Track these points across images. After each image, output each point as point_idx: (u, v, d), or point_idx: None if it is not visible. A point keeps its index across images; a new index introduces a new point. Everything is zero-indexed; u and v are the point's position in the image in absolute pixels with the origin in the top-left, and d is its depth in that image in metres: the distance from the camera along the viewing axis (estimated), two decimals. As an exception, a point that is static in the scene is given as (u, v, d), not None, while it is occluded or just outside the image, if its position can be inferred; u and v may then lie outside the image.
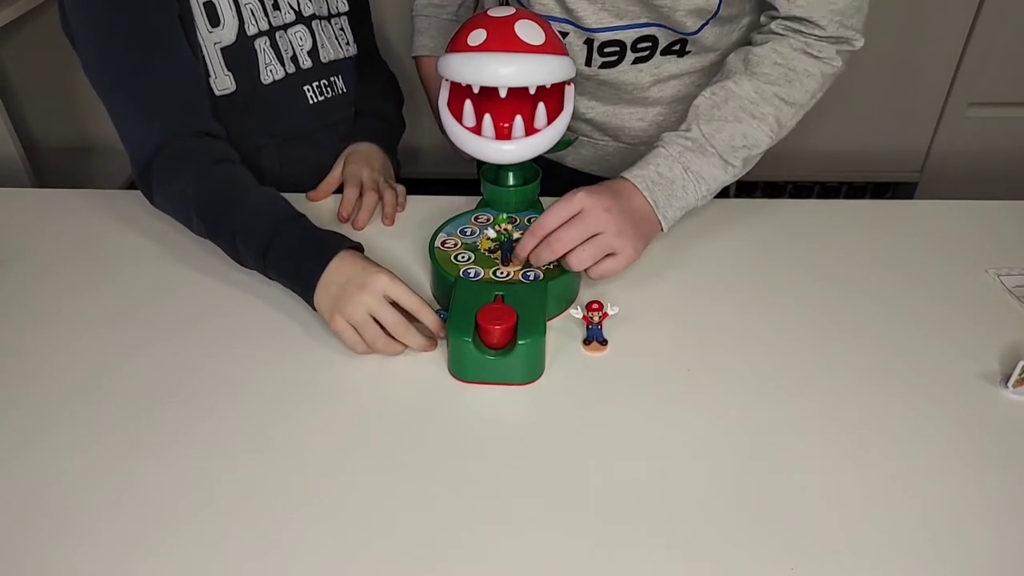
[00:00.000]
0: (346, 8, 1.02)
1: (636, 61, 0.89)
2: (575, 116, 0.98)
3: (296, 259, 0.74)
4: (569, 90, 0.79)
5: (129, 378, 0.70)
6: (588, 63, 0.90)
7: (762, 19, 0.85)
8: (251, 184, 0.81)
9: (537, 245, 0.74)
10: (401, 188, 0.96)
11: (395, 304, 0.70)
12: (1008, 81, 1.82)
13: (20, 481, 0.61)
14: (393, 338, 0.70)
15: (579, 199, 0.73)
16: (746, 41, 0.89)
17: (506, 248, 0.78)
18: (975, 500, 0.60)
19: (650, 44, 0.87)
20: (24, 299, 0.80)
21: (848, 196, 2.06)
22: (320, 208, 0.94)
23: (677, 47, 0.88)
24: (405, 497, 0.59)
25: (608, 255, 0.74)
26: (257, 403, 0.68)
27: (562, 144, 0.82)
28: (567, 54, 0.78)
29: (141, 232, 0.90)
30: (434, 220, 0.84)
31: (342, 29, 1.02)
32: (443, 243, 0.79)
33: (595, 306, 0.74)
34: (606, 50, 0.88)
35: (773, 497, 0.59)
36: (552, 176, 1.05)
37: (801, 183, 2.05)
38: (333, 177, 0.97)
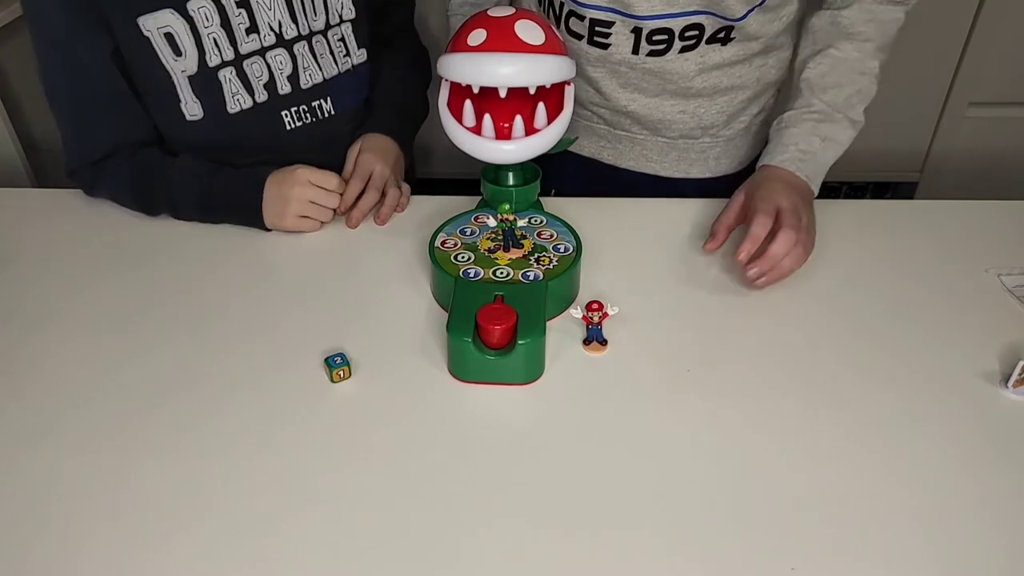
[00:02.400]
0: (352, 15, 0.97)
1: (683, 50, 0.90)
2: (614, 110, 0.98)
3: (234, 197, 0.89)
4: (569, 90, 0.79)
5: (129, 378, 0.70)
6: (635, 51, 0.90)
7: None
8: (167, 158, 0.91)
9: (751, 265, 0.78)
10: (406, 187, 0.95)
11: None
12: (1008, 81, 1.82)
13: (21, 481, 0.61)
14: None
15: (775, 199, 0.80)
16: (787, 31, 0.93)
17: (508, 235, 0.78)
18: (975, 500, 0.60)
19: (697, 32, 0.88)
20: (24, 299, 0.80)
21: (848, 196, 2.06)
22: (333, 230, 0.91)
23: (722, 35, 0.89)
24: (405, 497, 0.59)
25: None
26: (257, 404, 0.68)
27: (562, 144, 0.82)
28: (567, 54, 0.78)
29: (141, 232, 0.90)
30: (434, 220, 0.84)
31: (342, 39, 0.97)
32: (443, 243, 0.79)
33: (595, 306, 0.74)
34: (655, 38, 0.88)
35: (773, 497, 0.60)
36: (559, 168, 1.05)
37: (801, 183, 2.05)
38: (349, 167, 0.94)
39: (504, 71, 0.73)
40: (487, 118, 0.78)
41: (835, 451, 0.63)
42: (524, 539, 0.57)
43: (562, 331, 0.75)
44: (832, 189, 2.06)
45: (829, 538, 0.57)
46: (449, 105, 0.79)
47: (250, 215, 0.88)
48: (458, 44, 0.75)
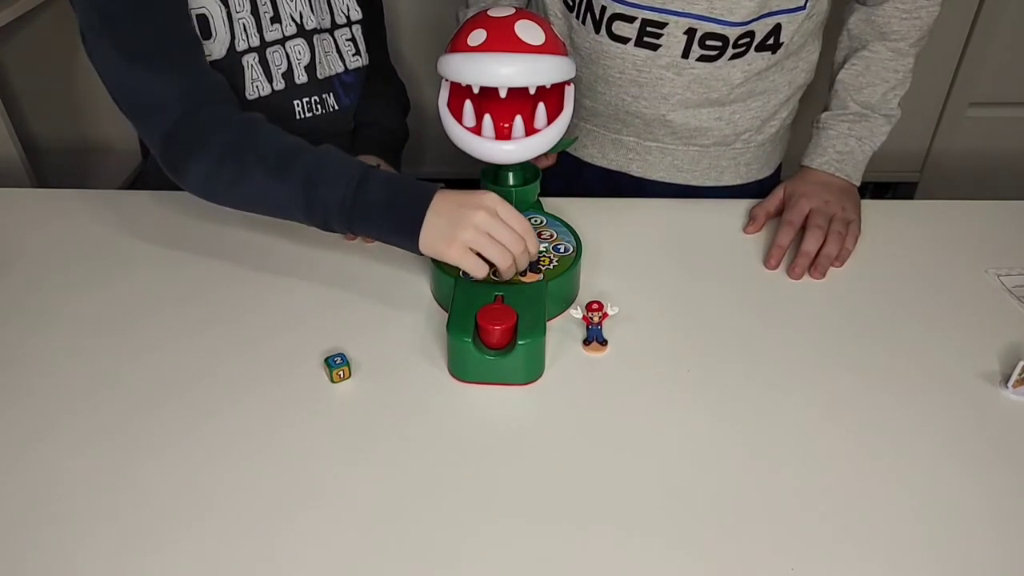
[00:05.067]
0: (359, 16, 0.98)
1: (733, 57, 0.89)
2: (649, 120, 0.96)
3: (393, 197, 0.71)
4: (569, 90, 0.79)
5: (129, 380, 0.70)
6: (685, 55, 0.89)
7: None
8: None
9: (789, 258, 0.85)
10: None
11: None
12: (1008, 81, 1.82)
13: (21, 482, 0.61)
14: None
15: (805, 202, 0.88)
16: (816, 32, 0.94)
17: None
18: (975, 500, 0.60)
19: (748, 39, 0.88)
20: (24, 300, 0.80)
21: (848, 196, 2.06)
22: None
23: (771, 42, 0.89)
24: (405, 496, 0.60)
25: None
26: (257, 404, 0.67)
27: (562, 144, 0.82)
28: (567, 54, 0.78)
29: (142, 233, 0.90)
30: (434, 220, 0.84)
31: (351, 39, 0.98)
32: (443, 243, 0.79)
33: (595, 306, 0.74)
34: (708, 43, 0.88)
35: (773, 497, 0.60)
36: (562, 170, 1.04)
37: (801, 183, 2.05)
38: None
39: (504, 71, 0.73)
40: (487, 118, 0.78)
41: (835, 451, 0.63)
42: (524, 539, 0.57)
43: (562, 331, 0.75)
44: (832, 189, 2.06)
45: (829, 538, 0.57)
46: (449, 105, 0.79)
47: (405, 227, 0.71)
48: (458, 44, 0.75)
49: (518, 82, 0.74)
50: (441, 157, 1.33)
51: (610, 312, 0.74)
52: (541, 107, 0.78)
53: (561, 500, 0.59)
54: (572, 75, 0.78)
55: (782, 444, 0.64)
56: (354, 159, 0.75)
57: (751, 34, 0.88)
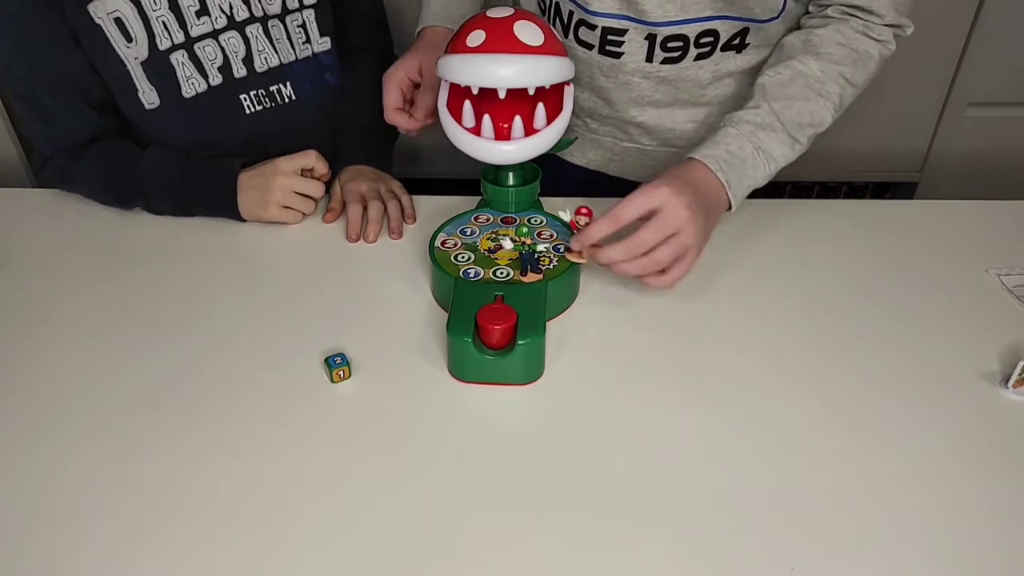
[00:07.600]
0: (313, 0, 0.95)
1: (698, 57, 0.88)
2: (624, 121, 0.96)
3: (209, 188, 0.89)
4: (568, 90, 0.79)
5: (129, 378, 0.70)
6: (649, 59, 0.88)
7: (812, 8, 0.86)
8: (136, 151, 0.92)
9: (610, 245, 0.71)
10: (407, 199, 0.93)
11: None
12: (1008, 81, 1.81)
13: (20, 481, 0.61)
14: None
15: (660, 195, 0.70)
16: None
17: (526, 260, 0.76)
18: (975, 500, 0.60)
19: (712, 39, 0.87)
20: (24, 299, 0.80)
21: (848, 196, 2.06)
22: (333, 229, 0.92)
23: (736, 42, 0.87)
24: (405, 497, 0.60)
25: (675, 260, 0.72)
26: (257, 403, 0.68)
27: (562, 144, 0.82)
28: (566, 55, 0.78)
29: (140, 233, 0.90)
30: (434, 220, 0.84)
31: (302, 26, 0.95)
32: (443, 243, 0.79)
33: (584, 211, 0.78)
34: (669, 45, 0.87)
35: (773, 497, 0.60)
36: (558, 174, 1.04)
37: (801, 183, 2.04)
38: (335, 199, 0.93)
39: (503, 72, 0.73)
40: (486, 119, 0.78)
41: (835, 451, 0.63)
42: (524, 538, 0.57)
43: (562, 331, 0.75)
44: (832, 189, 2.06)
45: (829, 538, 0.57)
46: (448, 105, 0.79)
47: (225, 207, 0.88)
48: (457, 45, 0.75)
49: (517, 83, 0.74)
50: (446, 157, 1.33)
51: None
52: (540, 107, 0.78)
53: (560, 500, 0.59)
54: (571, 75, 0.79)
55: (782, 444, 0.64)
56: (168, 161, 0.90)
57: (714, 33, 0.86)
